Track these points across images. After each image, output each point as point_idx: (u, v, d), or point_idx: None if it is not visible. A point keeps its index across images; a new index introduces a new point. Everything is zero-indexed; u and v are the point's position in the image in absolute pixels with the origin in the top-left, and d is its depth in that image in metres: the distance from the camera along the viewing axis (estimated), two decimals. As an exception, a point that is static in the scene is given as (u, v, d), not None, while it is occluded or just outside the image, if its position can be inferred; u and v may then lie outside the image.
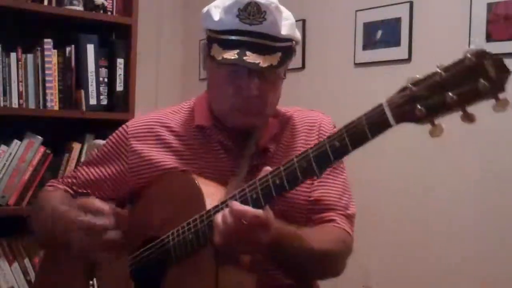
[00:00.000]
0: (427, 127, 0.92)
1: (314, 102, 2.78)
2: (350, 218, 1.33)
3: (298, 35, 1.30)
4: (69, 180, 1.44)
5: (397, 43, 2.43)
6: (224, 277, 1.10)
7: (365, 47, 2.56)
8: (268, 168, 1.09)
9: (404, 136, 2.44)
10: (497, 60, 0.86)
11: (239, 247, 1.08)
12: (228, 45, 1.22)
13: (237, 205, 1.05)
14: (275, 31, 1.23)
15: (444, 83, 0.89)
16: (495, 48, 2.10)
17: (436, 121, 0.91)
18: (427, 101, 0.90)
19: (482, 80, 0.85)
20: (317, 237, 1.22)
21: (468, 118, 0.89)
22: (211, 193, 1.17)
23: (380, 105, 0.96)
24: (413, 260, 2.37)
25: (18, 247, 2.26)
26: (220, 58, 1.20)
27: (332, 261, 1.26)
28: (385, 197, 2.48)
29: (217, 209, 1.11)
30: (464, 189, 2.22)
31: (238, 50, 1.20)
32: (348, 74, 2.65)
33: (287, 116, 1.39)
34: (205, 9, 1.30)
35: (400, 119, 0.94)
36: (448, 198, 2.27)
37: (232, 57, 1.19)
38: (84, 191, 1.41)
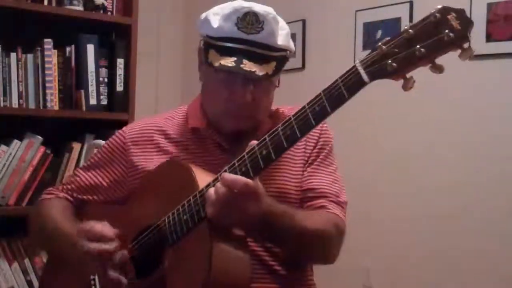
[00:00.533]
0: (400, 83, 0.99)
1: (314, 102, 2.77)
2: (341, 204, 1.35)
3: (292, 45, 1.34)
4: (68, 187, 1.47)
5: (397, 43, 2.43)
6: (218, 254, 1.12)
7: (365, 47, 2.56)
8: (254, 142, 1.12)
9: (404, 136, 2.44)
10: (460, 12, 0.94)
11: (231, 218, 1.11)
12: (225, 52, 1.25)
13: (228, 174, 1.09)
14: (272, 41, 1.26)
15: (413, 39, 0.96)
16: (495, 48, 2.11)
17: (408, 75, 0.98)
18: (397, 56, 0.97)
19: (447, 32, 0.93)
20: (309, 218, 1.24)
21: (437, 68, 0.97)
22: (205, 180, 1.18)
23: (354, 66, 1.03)
24: (413, 260, 2.37)
25: (18, 247, 2.26)
26: (217, 64, 1.24)
27: (325, 242, 1.27)
28: (385, 197, 2.48)
29: (209, 187, 1.14)
30: (465, 189, 2.22)
31: (235, 58, 1.23)
32: (348, 74, 2.65)
33: (278, 112, 1.42)
34: (203, 16, 1.33)
35: (373, 76, 1.00)
36: (448, 198, 2.27)
37: (230, 64, 1.23)
38: (84, 197, 1.45)
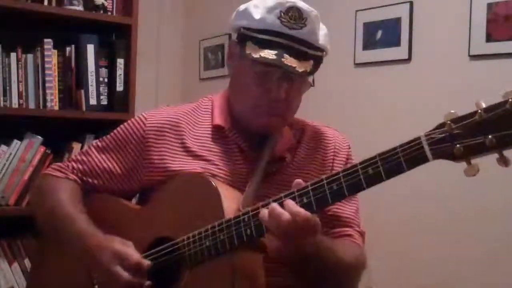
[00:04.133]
0: (462, 165, 0.94)
1: (314, 102, 2.77)
2: (363, 235, 1.37)
3: (329, 46, 1.31)
4: (80, 167, 1.39)
5: (397, 43, 2.43)
6: (241, 284, 1.11)
7: (365, 47, 2.56)
8: (300, 181, 1.09)
9: (406, 138, 2.44)
10: None
11: (290, 242, 1.08)
12: (265, 45, 1.22)
13: (293, 205, 1.05)
14: (313, 39, 1.25)
15: (484, 125, 0.90)
16: (495, 48, 2.10)
17: (473, 161, 0.93)
18: (466, 141, 0.92)
19: None
20: (344, 250, 1.23)
21: (504, 161, 0.92)
22: (228, 197, 1.17)
23: (418, 139, 0.97)
24: (415, 261, 2.37)
25: (18, 247, 2.25)
26: (257, 56, 1.20)
27: (355, 276, 1.29)
28: (385, 198, 2.48)
29: (238, 219, 1.12)
30: (464, 190, 2.22)
31: (276, 51, 1.20)
32: (348, 74, 2.65)
33: (302, 128, 1.40)
34: (241, 8, 1.30)
35: (437, 155, 0.96)
36: (448, 200, 2.27)
37: (270, 57, 1.19)
38: (95, 181, 1.38)
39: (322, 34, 1.28)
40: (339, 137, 1.42)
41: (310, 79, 1.30)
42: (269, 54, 1.19)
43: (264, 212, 1.07)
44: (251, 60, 1.22)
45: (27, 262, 2.25)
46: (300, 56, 1.22)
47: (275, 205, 1.05)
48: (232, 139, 1.31)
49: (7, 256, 2.23)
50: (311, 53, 1.24)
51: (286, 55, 1.20)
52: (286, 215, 1.03)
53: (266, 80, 1.24)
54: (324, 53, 1.29)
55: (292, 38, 1.22)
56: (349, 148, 1.41)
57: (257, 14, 1.24)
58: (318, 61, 1.26)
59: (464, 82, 2.20)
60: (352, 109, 2.59)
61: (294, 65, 1.19)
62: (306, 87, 1.31)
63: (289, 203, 1.05)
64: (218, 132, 1.33)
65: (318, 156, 1.36)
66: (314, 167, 1.34)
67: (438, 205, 2.30)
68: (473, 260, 2.17)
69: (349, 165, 1.35)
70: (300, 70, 1.20)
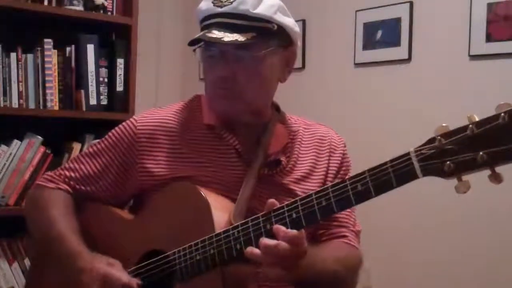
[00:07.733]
0: (453, 181, 0.92)
1: (314, 102, 2.78)
2: (358, 234, 1.35)
3: (283, 19, 1.26)
4: (73, 175, 1.36)
5: (397, 43, 2.43)
6: None
7: (365, 47, 2.57)
8: (273, 201, 1.08)
9: (404, 139, 2.44)
10: None
11: (281, 269, 1.07)
12: (202, 29, 1.26)
13: (289, 231, 1.04)
14: (243, 9, 1.21)
15: (476, 140, 0.87)
16: (495, 48, 2.10)
17: (464, 178, 0.91)
18: (457, 157, 0.89)
19: None
20: (336, 257, 1.22)
21: (495, 178, 0.88)
22: (219, 208, 1.16)
23: (408, 155, 0.95)
24: (413, 261, 2.37)
25: (18, 247, 2.26)
26: (189, 41, 1.24)
27: (352, 281, 1.29)
28: (384, 200, 2.49)
29: (227, 233, 1.11)
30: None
31: (206, 30, 1.23)
32: (348, 74, 2.65)
33: (296, 126, 1.38)
34: None
35: (428, 172, 0.93)
36: (448, 201, 2.27)
37: (196, 36, 1.22)
38: (87, 188, 1.35)
39: (264, 4, 1.23)
40: (334, 135, 1.40)
41: (258, 51, 1.24)
42: (199, 35, 1.23)
43: (256, 251, 1.05)
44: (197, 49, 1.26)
45: (27, 262, 2.25)
46: (233, 29, 1.20)
47: (269, 244, 1.03)
48: (225, 138, 1.29)
49: (7, 256, 2.23)
50: (250, 25, 1.21)
51: (214, 31, 1.21)
52: (287, 248, 1.02)
53: (211, 63, 1.26)
54: (274, 25, 1.24)
55: (223, 14, 1.22)
56: (345, 146, 1.39)
57: (198, 8, 1.29)
58: (263, 32, 1.22)
59: (464, 82, 2.20)
60: (352, 109, 2.59)
61: (220, 37, 1.19)
62: (263, 66, 1.26)
63: (282, 232, 1.03)
64: (210, 132, 1.30)
65: (313, 155, 1.34)
66: (310, 167, 1.32)
67: (436, 207, 2.30)
68: (471, 261, 2.17)
69: (344, 164, 1.36)
70: (227, 40, 1.19)
